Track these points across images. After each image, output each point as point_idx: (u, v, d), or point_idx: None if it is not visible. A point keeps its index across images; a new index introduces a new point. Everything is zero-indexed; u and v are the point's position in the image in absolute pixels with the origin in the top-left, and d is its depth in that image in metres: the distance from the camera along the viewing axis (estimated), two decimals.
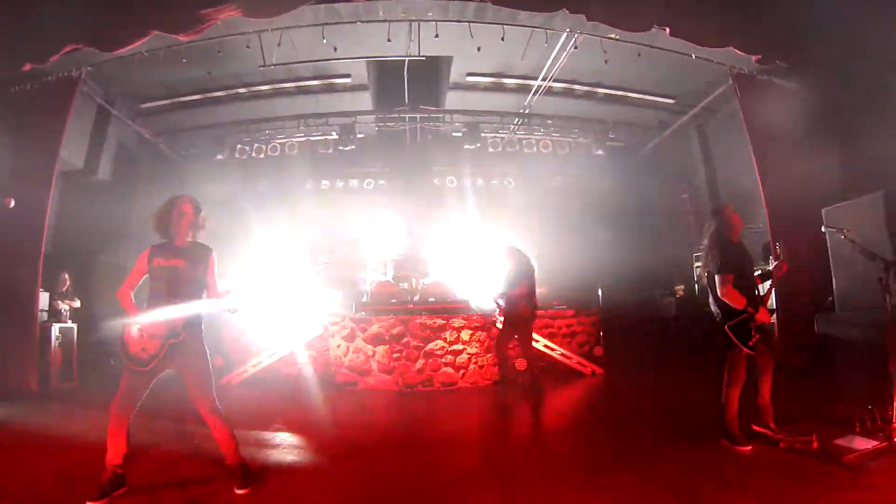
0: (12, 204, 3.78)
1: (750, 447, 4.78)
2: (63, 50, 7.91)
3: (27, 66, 8.14)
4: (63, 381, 8.87)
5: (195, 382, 4.25)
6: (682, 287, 12.58)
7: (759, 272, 5.44)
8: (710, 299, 5.14)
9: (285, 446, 5.64)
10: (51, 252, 8.76)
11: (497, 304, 8.29)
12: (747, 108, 9.69)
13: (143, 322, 4.10)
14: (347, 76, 11.58)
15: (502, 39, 9.32)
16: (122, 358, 4.10)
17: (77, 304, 9.68)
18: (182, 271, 4.26)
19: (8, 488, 4.17)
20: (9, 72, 8.25)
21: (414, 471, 4.77)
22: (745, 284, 4.97)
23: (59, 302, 9.43)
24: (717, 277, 4.93)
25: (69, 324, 9.31)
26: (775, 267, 5.12)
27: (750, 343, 4.84)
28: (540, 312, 9.88)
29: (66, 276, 9.65)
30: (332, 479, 4.60)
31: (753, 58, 9.04)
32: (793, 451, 4.63)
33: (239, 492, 4.16)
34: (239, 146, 13.47)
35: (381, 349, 9.09)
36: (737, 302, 4.85)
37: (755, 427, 5.10)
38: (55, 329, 8.95)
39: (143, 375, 4.12)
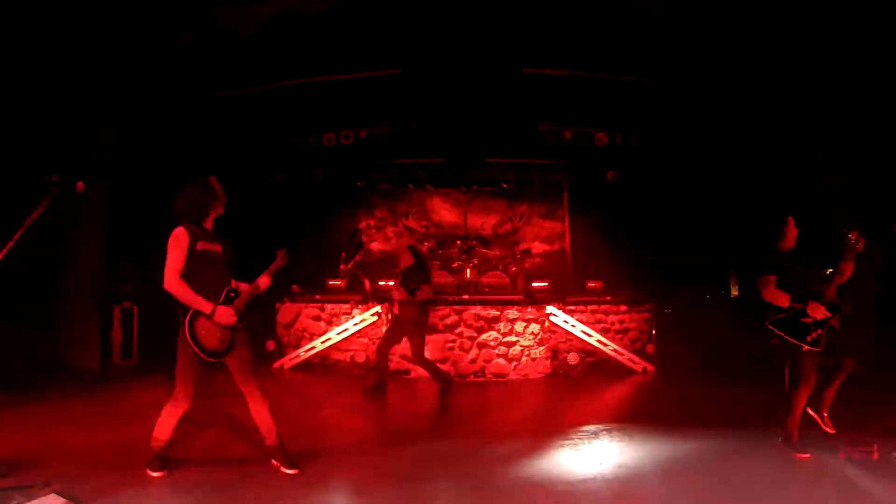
0: (83, 188, 3.90)
1: (808, 454, 4.70)
2: None
3: None
4: (123, 359, 9.38)
5: (242, 365, 4.26)
6: (737, 287, 12.37)
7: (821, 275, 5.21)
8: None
9: (335, 430, 5.88)
10: (111, 235, 9.16)
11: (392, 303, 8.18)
12: None
13: (217, 311, 4.05)
14: None
15: None
16: (196, 351, 4.01)
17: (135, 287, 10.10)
18: (220, 256, 4.23)
19: (72, 458, 4.46)
20: None
21: (462, 457, 4.93)
22: (796, 285, 4.87)
23: (120, 284, 9.84)
24: (758, 282, 4.92)
25: (129, 305, 9.71)
26: (839, 268, 4.81)
27: (809, 339, 4.70)
28: (592, 308, 9.94)
29: (126, 259, 10.03)
30: (378, 464, 4.77)
31: None
32: (852, 462, 4.53)
33: (288, 472, 4.27)
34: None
35: (434, 338, 9.24)
36: (780, 300, 4.80)
37: (808, 410, 4.99)
38: (116, 311, 9.43)
39: (215, 365, 4.18)
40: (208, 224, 4.25)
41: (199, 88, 9.46)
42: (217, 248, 4.22)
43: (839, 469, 4.44)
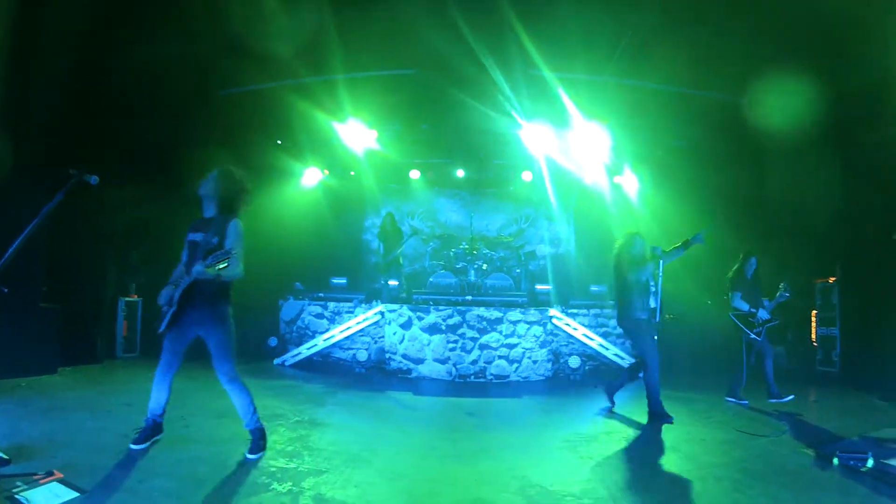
0: (95, 181, 3.96)
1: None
2: None
3: None
4: (126, 351, 9.44)
5: (213, 349, 4.52)
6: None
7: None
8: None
9: (331, 426, 5.89)
10: (120, 229, 9.21)
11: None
12: None
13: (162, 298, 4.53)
14: None
15: None
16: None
17: (142, 279, 10.10)
18: (197, 244, 4.50)
19: (74, 447, 4.50)
20: None
21: (460, 455, 4.94)
22: (750, 299, 7.40)
23: (127, 277, 9.88)
24: (730, 293, 7.55)
25: (135, 298, 9.77)
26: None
27: (753, 332, 7.30)
28: (595, 311, 9.99)
29: (133, 252, 10.06)
30: (374, 462, 4.77)
31: None
32: (848, 469, 4.57)
33: (249, 457, 4.52)
34: None
35: (436, 338, 9.31)
36: (741, 306, 7.46)
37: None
38: (121, 303, 9.48)
39: (168, 339, 4.56)
40: (209, 212, 4.63)
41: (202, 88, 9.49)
42: (199, 237, 4.52)
43: (833, 476, 4.49)
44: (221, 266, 4.15)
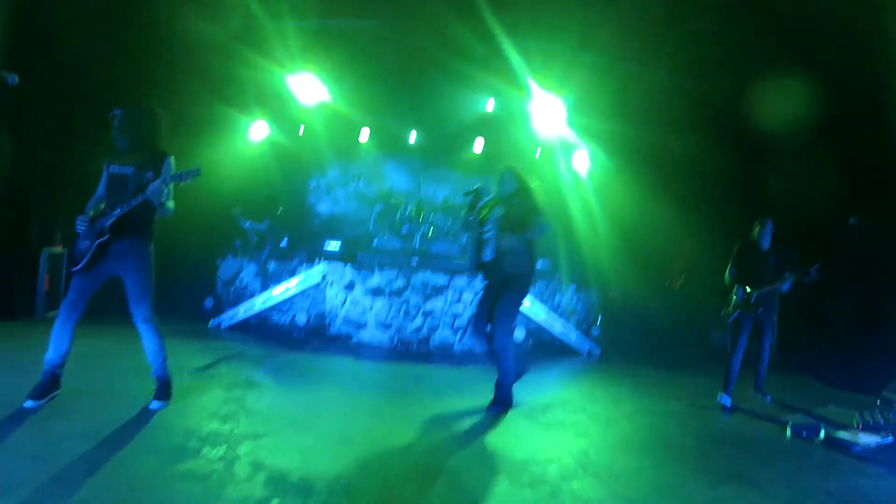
0: (14, 80, 3.60)
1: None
2: None
3: None
4: (48, 309, 8.37)
5: (131, 288, 4.31)
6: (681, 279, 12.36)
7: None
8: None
9: (269, 388, 5.52)
10: (44, 171, 8.37)
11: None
12: None
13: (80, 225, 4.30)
14: None
15: None
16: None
17: (69, 228, 9.19)
18: (128, 178, 4.32)
19: None
20: None
21: (404, 420, 4.71)
22: (748, 272, 6.15)
23: (51, 226, 8.93)
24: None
25: (60, 249, 8.72)
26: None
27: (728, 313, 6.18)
28: (540, 287, 9.81)
29: (60, 196, 9.11)
30: (317, 426, 4.46)
31: None
32: (801, 439, 4.82)
33: (152, 406, 4.37)
34: None
35: (380, 302, 8.98)
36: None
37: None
38: (44, 254, 8.44)
39: (79, 278, 4.28)
40: (136, 147, 4.38)
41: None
42: (129, 170, 4.30)
43: (792, 447, 4.71)
44: (187, 182, 4.19)
